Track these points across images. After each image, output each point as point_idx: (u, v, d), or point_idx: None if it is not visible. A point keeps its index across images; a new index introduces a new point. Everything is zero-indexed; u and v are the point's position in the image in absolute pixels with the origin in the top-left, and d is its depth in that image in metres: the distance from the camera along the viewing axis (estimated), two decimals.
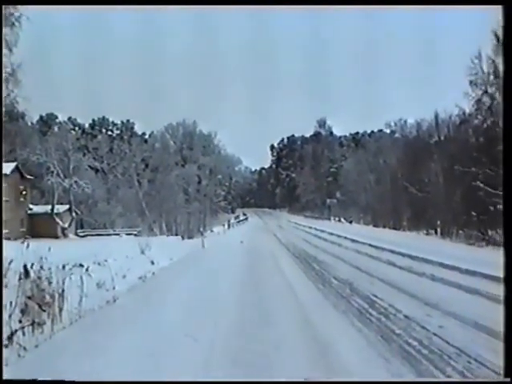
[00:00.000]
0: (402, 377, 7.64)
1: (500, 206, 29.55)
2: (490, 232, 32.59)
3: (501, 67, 30.33)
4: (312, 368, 8.16)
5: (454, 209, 35.82)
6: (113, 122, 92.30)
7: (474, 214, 32.85)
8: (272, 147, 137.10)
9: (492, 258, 22.49)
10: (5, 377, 4.88)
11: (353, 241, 34.29)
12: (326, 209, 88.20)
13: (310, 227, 55.48)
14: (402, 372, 7.84)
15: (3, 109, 28.70)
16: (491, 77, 31.03)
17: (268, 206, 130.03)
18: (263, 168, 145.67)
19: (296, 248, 31.13)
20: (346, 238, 37.15)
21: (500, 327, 10.07)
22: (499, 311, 12.17)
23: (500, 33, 29.72)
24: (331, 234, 43.16)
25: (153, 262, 22.51)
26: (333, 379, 4.56)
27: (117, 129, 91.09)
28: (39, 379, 4.73)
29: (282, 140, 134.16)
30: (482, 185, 30.47)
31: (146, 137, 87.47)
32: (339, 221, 69.93)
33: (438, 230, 39.34)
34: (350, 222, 65.89)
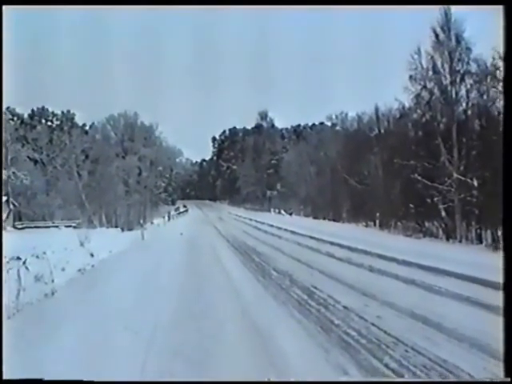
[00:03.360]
0: (342, 366, 7.72)
1: (436, 199, 30.15)
2: (426, 224, 33.19)
3: (439, 63, 30.93)
4: (252, 358, 8.18)
5: (393, 201, 36.26)
6: (53, 113, 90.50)
7: (411, 206, 33.34)
8: (213, 139, 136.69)
9: (428, 249, 23.10)
10: (5, 377, 4.76)
11: (293, 232, 34.45)
12: (267, 201, 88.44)
13: (251, 219, 55.55)
14: (340, 362, 7.92)
15: (3, 108, 28.02)
16: (430, 72, 31.47)
17: (209, 198, 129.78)
18: (204, 160, 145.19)
19: (236, 240, 31.13)
20: (286, 229, 37.31)
21: (435, 316, 10.34)
22: (434, 300, 12.45)
23: (438, 30, 30.37)
24: (271, 225, 43.29)
25: (92, 255, 22.26)
26: (333, 379, 4.59)
27: (57, 119, 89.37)
28: (40, 379, 4.63)
29: (224, 132, 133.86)
30: (419, 178, 30.92)
31: (87, 128, 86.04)
32: (279, 213, 70.12)
33: (377, 221, 39.81)
34: (290, 214, 66.16)
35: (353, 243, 24.69)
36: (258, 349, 8.73)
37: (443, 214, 30.40)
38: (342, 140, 55.01)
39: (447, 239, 29.50)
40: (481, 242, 27.48)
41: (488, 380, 4.19)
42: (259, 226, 45.09)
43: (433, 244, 27.45)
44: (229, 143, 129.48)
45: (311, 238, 29.78)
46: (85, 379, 4.64)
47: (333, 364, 7.85)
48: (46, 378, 4.59)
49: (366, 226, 41.92)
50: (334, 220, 50.42)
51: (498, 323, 10.07)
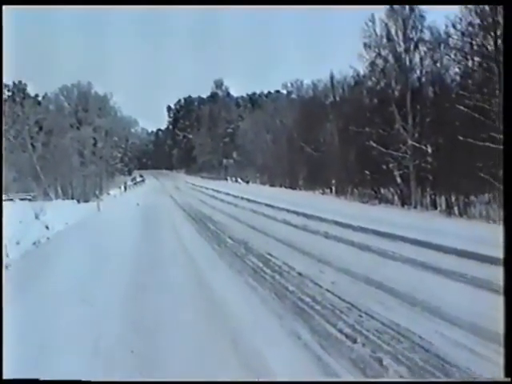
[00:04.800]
0: (296, 333, 7.73)
1: (391, 165, 30.40)
2: (382, 190, 33.47)
3: (393, 30, 30.96)
4: (207, 326, 8.15)
5: (349, 168, 36.43)
6: (4, 84, 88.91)
7: (367, 172, 33.54)
8: (168, 108, 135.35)
9: (383, 216, 23.27)
10: (5, 377, 4.65)
11: (249, 201, 34.44)
12: (223, 169, 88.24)
13: (207, 188, 55.41)
14: (294, 327, 7.92)
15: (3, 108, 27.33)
16: (384, 40, 31.50)
17: (165, 168, 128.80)
18: (160, 129, 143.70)
19: (192, 209, 30.99)
20: (242, 198, 37.27)
21: (389, 281, 10.43)
22: (388, 266, 12.55)
23: None
24: (228, 194, 43.22)
25: (48, 227, 21.98)
26: (333, 379, 4.58)
27: (8, 90, 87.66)
28: (40, 379, 4.53)
29: (179, 101, 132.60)
30: (375, 145, 31.09)
31: (40, 99, 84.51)
32: (236, 181, 70.07)
33: (333, 188, 40.02)
34: (247, 182, 66.16)
35: (309, 210, 24.77)
36: (211, 317, 8.71)
37: (398, 180, 30.67)
38: (297, 108, 54.98)
39: (402, 205, 29.80)
40: (435, 208, 27.79)
41: (488, 380, 4.22)
42: (216, 194, 44.98)
43: (388, 210, 27.70)
44: (184, 112, 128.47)
45: (267, 205, 29.79)
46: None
47: (287, 330, 7.85)
48: None
49: (323, 193, 42.12)
50: (291, 188, 50.54)
51: (449, 287, 10.24)
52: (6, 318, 5.53)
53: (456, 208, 26.18)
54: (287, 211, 25.85)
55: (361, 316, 8.39)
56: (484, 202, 25.55)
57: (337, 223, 20.36)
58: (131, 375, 6.33)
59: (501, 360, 6.43)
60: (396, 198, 31.69)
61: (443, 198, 28.04)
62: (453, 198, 26.91)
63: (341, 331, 7.70)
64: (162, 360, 6.78)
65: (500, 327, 7.32)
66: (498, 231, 16.53)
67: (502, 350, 6.67)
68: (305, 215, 23.60)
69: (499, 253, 12.65)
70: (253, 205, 31.56)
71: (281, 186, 53.27)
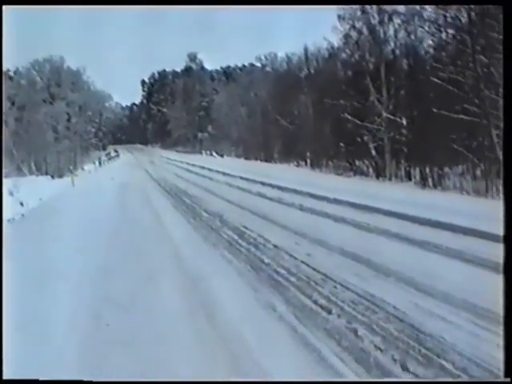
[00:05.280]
0: (271, 305, 7.74)
1: (366, 138, 30.47)
2: (357, 162, 33.56)
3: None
4: (184, 300, 8.15)
5: (324, 140, 36.41)
6: None
7: (342, 145, 33.60)
8: (143, 82, 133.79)
9: (358, 188, 23.35)
10: (5, 377, 4.59)
11: (224, 174, 34.34)
12: (198, 143, 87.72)
13: (182, 162, 55.11)
14: (269, 300, 7.93)
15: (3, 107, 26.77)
16: (358, 12, 31.39)
17: (140, 142, 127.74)
18: (134, 104, 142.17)
19: (167, 183, 30.86)
20: (217, 171, 37.16)
21: (364, 252, 10.47)
22: (363, 237, 12.61)
23: None
24: (203, 168, 43.07)
25: (22, 204, 21.77)
26: (333, 379, 4.58)
27: None
28: (39, 379, 4.48)
29: (153, 75, 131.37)
30: (349, 117, 31.11)
31: (11, 73, 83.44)
32: (211, 155, 69.80)
33: (308, 161, 40.05)
34: (222, 156, 65.97)
35: (284, 183, 24.75)
36: (188, 290, 8.71)
37: (373, 152, 30.75)
38: (272, 81, 54.76)
39: (377, 177, 29.92)
40: (410, 180, 27.95)
41: (488, 380, 4.24)
42: (191, 168, 44.80)
43: (363, 182, 27.77)
44: (158, 86, 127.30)
45: (242, 179, 29.76)
46: None
47: (262, 302, 7.86)
48: None
49: (298, 165, 42.15)
50: (266, 161, 50.46)
51: (423, 257, 10.31)
52: None
53: (430, 180, 26.35)
54: (262, 184, 25.84)
55: (336, 287, 8.42)
56: (458, 174, 25.74)
57: (312, 195, 20.37)
58: None
59: (474, 328, 6.53)
60: (371, 170, 31.80)
61: (417, 169, 28.20)
62: (427, 170, 27.07)
63: (316, 302, 7.72)
64: None
65: (473, 298, 7.44)
66: (471, 202, 16.75)
67: (476, 319, 6.79)
68: (280, 188, 23.59)
69: (472, 223, 12.80)
70: (228, 178, 31.49)
71: (256, 160, 53.16)
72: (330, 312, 7.27)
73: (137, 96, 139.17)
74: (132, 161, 69.19)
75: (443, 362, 5.58)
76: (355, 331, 6.54)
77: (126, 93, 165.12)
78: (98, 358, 6.13)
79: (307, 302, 7.76)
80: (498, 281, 8.43)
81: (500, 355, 5.64)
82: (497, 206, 16.94)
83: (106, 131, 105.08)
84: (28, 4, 6.69)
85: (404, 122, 28.86)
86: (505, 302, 3.45)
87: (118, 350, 6.31)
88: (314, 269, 9.54)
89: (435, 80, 24.45)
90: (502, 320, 6.54)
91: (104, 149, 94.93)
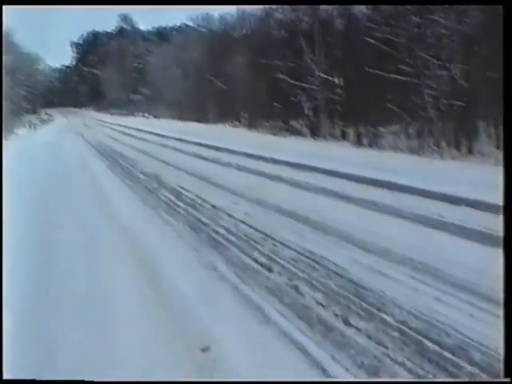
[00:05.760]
0: (212, 264, 7.71)
1: (301, 97, 30.54)
2: (291, 122, 33.69)
3: None
4: (125, 267, 8.07)
5: (259, 101, 36.37)
6: None
7: (277, 105, 33.65)
8: (74, 44, 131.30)
9: (294, 147, 23.47)
10: (5, 377, 4.39)
11: (159, 135, 34.05)
12: (133, 105, 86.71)
13: (117, 124, 54.47)
14: (210, 260, 7.90)
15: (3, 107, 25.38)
16: None
17: (73, 105, 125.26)
18: (66, 66, 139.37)
19: (102, 145, 30.40)
20: (152, 133, 36.83)
21: (303, 210, 10.53)
22: (301, 195, 12.67)
23: None
24: (138, 130, 42.61)
25: None
26: (333, 379, 4.54)
27: None
28: (39, 379, 4.30)
29: (83, 36, 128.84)
30: (284, 77, 31.11)
31: None
32: (146, 117, 69.17)
33: (244, 121, 40.01)
34: (156, 117, 65.39)
35: (220, 144, 24.71)
36: (128, 254, 8.64)
37: (308, 112, 30.88)
38: (206, 41, 54.28)
39: (312, 137, 30.08)
40: (345, 139, 28.20)
41: (488, 380, 4.29)
42: (126, 130, 44.28)
43: (299, 142, 27.93)
44: (90, 47, 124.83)
45: (178, 140, 29.58)
46: None
47: (203, 263, 7.82)
48: None
49: (234, 126, 42.06)
50: (201, 122, 50.18)
51: (361, 214, 10.43)
52: None
53: (365, 139, 26.64)
54: (198, 145, 25.73)
55: (275, 245, 8.43)
56: (392, 133, 26.08)
57: (248, 155, 20.38)
58: None
59: (413, 282, 6.64)
60: (306, 129, 31.95)
61: (352, 129, 28.47)
62: (362, 130, 27.35)
63: (256, 261, 7.72)
64: None
65: (411, 252, 7.57)
66: (405, 160, 16.99)
67: (414, 273, 6.90)
68: (216, 148, 23.52)
69: (406, 180, 13.04)
70: (163, 139, 31.23)
71: (191, 121, 52.81)
72: (270, 270, 7.28)
73: (68, 58, 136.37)
74: (66, 124, 67.95)
75: (383, 316, 5.65)
76: (296, 288, 6.57)
77: (56, 55, 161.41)
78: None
79: (248, 261, 7.75)
80: (433, 235, 8.65)
81: (439, 307, 5.80)
82: (430, 164, 17.32)
83: (38, 94, 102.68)
84: (28, 4, 6.50)
85: (339, 81, 29.01)
86: (505, 302, 3.48)
87: None
88: (253, 228, 9.53)
89: (369, 40, 24.59)
90: (438, 273, 6.74)
91: (36, 112, 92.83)
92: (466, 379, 4.39)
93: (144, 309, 6.22)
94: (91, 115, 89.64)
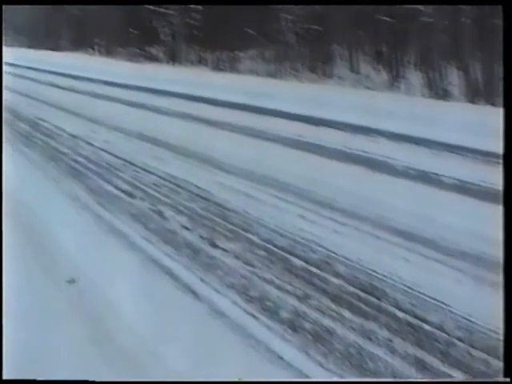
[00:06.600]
0: (74, 193, 7.54)
1: (157, 22, 29.89)
2: (148, 48, 32.98)
3: None
4: None
5: (114, 27, 35.25)
6: None
7: (132, 31, 32.75)
8: None
9: (152, 74, 23.09)
10: (5, 377, 3.94)
11: (9, 64, 32.39)
12: None
13: None
14: (72, 189, 7.70)
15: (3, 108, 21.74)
16: None
17: None
18: None
19: None
20: None
21: (163, 136, 10.44)
22: (161, 121, 12.57)
23: None
24: None
25: None
26: (333, 379, 4.35)
27: None
28: (39, 379, 3.89)
29: None
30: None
31: None
32: None
33: (100, 49, 38.76)
34: (5, 46, 62.24)
35: (74, 71, 23.90)
36: None
37: (165, 38, 30.30)
38: None
39: (169, 62, 29.62)
40: (202, 64, 27.95)
41: (488, 380, 4.29)
42: None
43: (157, 68, 27.44)
44: None
45: (30, 68, 28.30)
46: None
47: (65, 192, 7.61)
48: None
49: (89, 54, 40.71)
50: (54, 50, 48.19)
51: (220, 137, 10.47)
52: None
53: (223, 63, 26.51)
54: (51, 73, 24.75)
55: (137, 172, 8.34)
56: (250, 57, 26.08)
57: (105, 83, 19.83)
58: None
59: (277, 201, 6.77)
60: (163, 56, 31.38)
61: (210, 54, 28.22)
62: (220, 54, 27.17)
63: (117, 187, 7.61)
64: None
65: (270, 172, 7.71)
66: (262, 84, 17.10)
67: (278, 193, 7.03)
68: (71, 76, 22.71)
69: (264, 103, 13.16)
70: (14, 69, 29.70)
71: (43, 49, 50.59)
72: (133, 196, 7.20)
73: None
74: None
75: (249, 235, 5.74)
76: (161, 213, 6.54)
77: None
78: None
79: (110, 189, 7.63)
80: (290, 153, 8.83)
81: (307, 227, 5.95)
82: (288, 87, 17.42)
83: None
84: (28, 4, 5.79)
85: (196, 6, 28.53)
86: (504, 302, 3.56)
87: None
88: (114, 155, 9.37)
89: None
90: (300, 191, 6.90)
91: None
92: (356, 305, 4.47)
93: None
94: None
